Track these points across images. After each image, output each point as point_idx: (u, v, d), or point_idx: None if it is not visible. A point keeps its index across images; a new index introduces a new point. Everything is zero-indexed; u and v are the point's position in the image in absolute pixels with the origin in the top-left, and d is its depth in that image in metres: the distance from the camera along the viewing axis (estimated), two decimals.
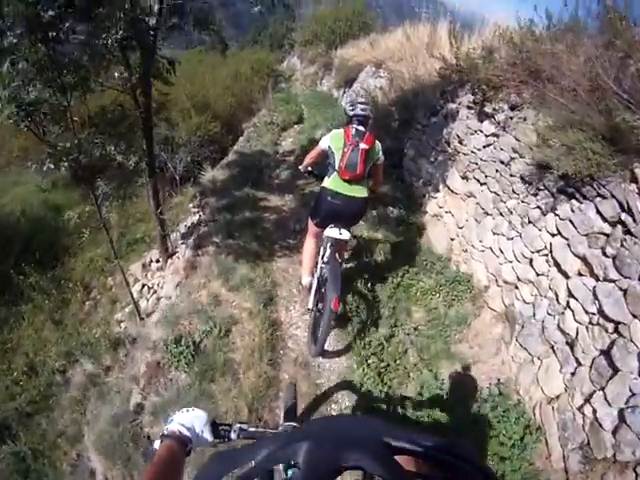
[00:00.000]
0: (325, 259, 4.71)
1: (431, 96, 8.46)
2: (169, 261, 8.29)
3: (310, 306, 4.90)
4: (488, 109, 6.28)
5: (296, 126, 14.93)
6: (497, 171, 5.85)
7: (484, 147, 6.29)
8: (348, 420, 1.03)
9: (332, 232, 4.73)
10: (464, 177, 6.80)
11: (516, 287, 5.25)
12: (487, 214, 6.10)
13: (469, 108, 6.85)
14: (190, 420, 1.46)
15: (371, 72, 14.73)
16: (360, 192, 4.62)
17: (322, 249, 4.85)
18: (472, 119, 6.72)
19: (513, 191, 5.46)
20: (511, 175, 5.49)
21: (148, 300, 8.03)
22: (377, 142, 4.79)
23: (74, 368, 6.98)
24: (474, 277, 6.26)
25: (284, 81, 26.72)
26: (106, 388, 6.01)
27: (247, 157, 11.29)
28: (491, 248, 5.84)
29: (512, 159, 5.51)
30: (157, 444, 1.38)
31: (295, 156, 11.06)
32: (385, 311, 5.78)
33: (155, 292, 8.19)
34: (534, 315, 4.79)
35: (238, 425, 1.62)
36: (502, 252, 5.56)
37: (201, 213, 8.92)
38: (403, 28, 13.81)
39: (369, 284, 6.09)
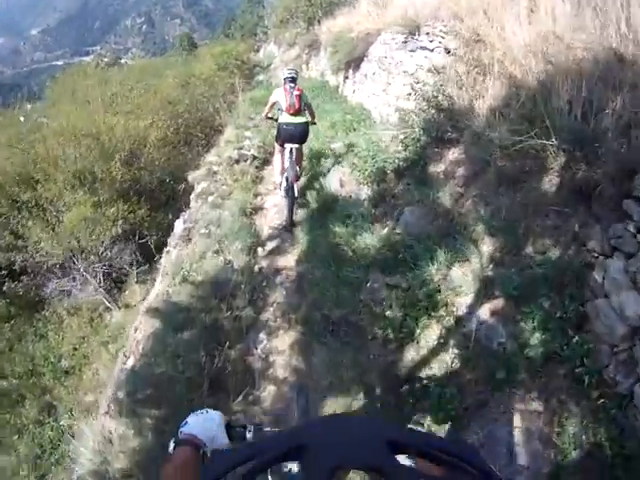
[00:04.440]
0: (287, 163, 6.09)
1: None
2: None
3: (282, 194, 6.21)
4: None
5: None
6: None
7: None
8: (350, 419, 0.88)
9: (289, 145, 6.08)
10: None
11: None
12: None
13: None
14: (204, 423, 1.35)
15: (397, 42, 8.11)
16: (302, 119, 6.08)
17: (286, 158, 6.13)
18: None
19: None
20: None
21: None
22: (304, 91, 6.25)
23: None
24: None
25: (262, 72, 20.64)
26: None
27: (181, 321, 4.57)
28: None
29: None
30: (171, 448, 1.28)
31: None
32: None
33: None
34: None
35: (253, 426, 1.49)
36: None
37: None
38: None
39: None
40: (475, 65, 5.31)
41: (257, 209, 6.57)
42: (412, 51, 7.44)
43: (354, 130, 7.89)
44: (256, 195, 6.93)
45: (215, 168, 7.64)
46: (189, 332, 4.43)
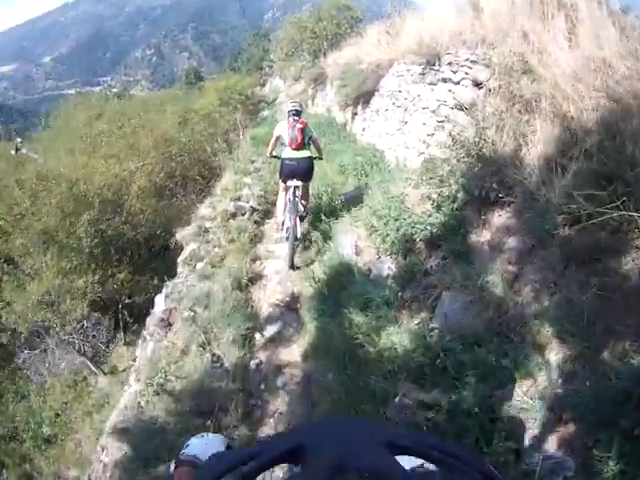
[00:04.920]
0: (289, 203, 5.87)
1: None
2: None
3: (284, 234, 5.98)
4: None
5: None
6: None
7: None
8: (349, 421, 0.78)
9: (292, 182, 5.89)
10: None
11: None
12: None
13: None
14: (205, 445, 1.27)
15: (412, 74, 7.26)
16: (305, 154, 5.90)
17: (289, 195, 5.93)
18: None
19: None
20: None
21: None
22: (308, 124, 6.08)
23: None
24: None
25: (267, 107, 20.01)
26: None
27: (155, 448, 3.44)
28: None
29: None
30: (172, 469, 1.22)
31: None
32: None
33: None
34: None
35: None
36: None
37: None
38: None
39: None
40: (516, 101, 4.32)
41: (255, 278, 5.46)
42: (432, 84, 6.48)
43: (366, 176, 6.98)
44: (254, 259, 5.87)
45: (207, 224, 6.58)
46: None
